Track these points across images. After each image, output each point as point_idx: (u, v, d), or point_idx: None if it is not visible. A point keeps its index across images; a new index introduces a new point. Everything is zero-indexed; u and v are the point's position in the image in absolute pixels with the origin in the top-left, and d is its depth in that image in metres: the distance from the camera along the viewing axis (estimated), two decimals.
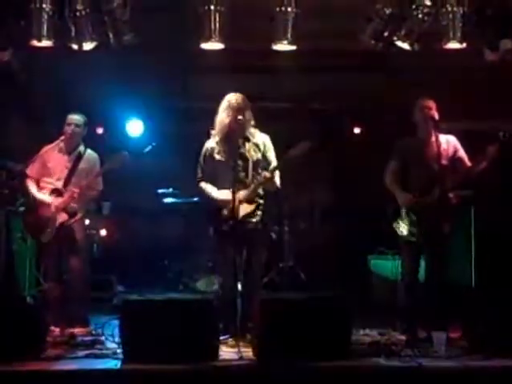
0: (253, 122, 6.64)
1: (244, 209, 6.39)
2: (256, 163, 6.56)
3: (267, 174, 6.43)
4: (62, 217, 6.81)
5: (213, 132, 6.69)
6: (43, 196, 6.86)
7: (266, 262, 7.04)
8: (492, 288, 6.90)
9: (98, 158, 7.10)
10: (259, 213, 6.55)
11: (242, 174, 6.50)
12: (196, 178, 6.71)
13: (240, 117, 6.45)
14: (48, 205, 6.80)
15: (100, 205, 9.33)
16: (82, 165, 6.96)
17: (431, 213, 6.45)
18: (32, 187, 6.94)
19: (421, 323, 6.52)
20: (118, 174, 7.04)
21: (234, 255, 6.30)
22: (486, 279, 7.83)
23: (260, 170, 6.52)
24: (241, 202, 6.36)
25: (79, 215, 6.92)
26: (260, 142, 6.61)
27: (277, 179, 6.62)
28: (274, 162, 6.59)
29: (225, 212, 6.46)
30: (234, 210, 6.25)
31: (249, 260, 6.53)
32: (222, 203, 6.46)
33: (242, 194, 6.39)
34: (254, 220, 6.50)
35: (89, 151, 7.06)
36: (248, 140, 6.55)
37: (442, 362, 5.64)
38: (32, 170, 6.95)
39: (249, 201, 6.45)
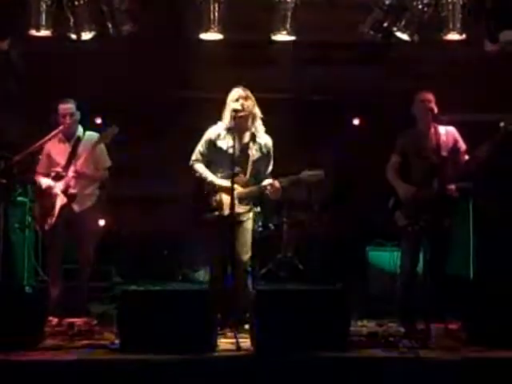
0: (259, 116, 6.65)
1: (235, 207, 6.37)
2: (255, 162, 6.58)
3: (276, 184, 6.44)
4: (62, 200, 6.78)
5: (220, 122, 6.70)
6: (45, 180, 6.87)
7: (261, 253, 7.05)
8: (491, 280, 6.89)
9: (99, 137, 7.03)
10: (250, 215, 6.61)
11: (240, 169, 6.50)
12: (191, 159, 6.70)
13: (241, 113, 6.46)
14: (52, 189, 6.79)
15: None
16: (82, 146, 6.94)
17: (431, 204, 6.45)
18: (41, 179, 6.95)
19: (419, 315, 6.53)
20: (117, 163, 7.03)
21: (220, 245, 6.34)
22: (485, 271, 7.84)
23: (256, 170, 6.56)
24: (231, 199, 6.32)
25: (81, 206, 6.87)
26: (263, 143, 6.63)
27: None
28: (270, 167, 6.65)
29: (213, 202, 6.49)
30: (230, 203, 6.25)
31: (234, 247, 6.48)
32: (217, 188, 6.48)
33: (236, 191, 6.37)
34: (240, 217, 6.50)
35: (88, 133, 7.05)
36: (254, 138, 6.59)
37: (440, 353, 5.64)
38: (40, 166, 7.02)
39: (240, 200, 6.44)
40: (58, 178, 6.85)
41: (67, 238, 6.91)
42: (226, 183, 6.42)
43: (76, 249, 6.93)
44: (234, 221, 6.33)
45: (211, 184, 6.55)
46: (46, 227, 6.81)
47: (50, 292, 6.82)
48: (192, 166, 6.69)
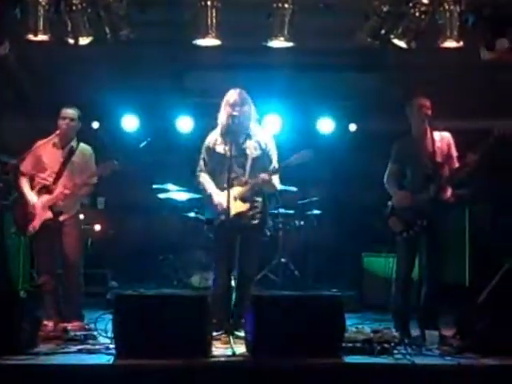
0: (255, 118, 6.66)
1: (237, 207, 6.38)
2: (255, 160, 6.55)
3: (265, 177, 6.43)
4: (47, 214, 6.77)
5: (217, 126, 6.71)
6: (31, 196, 6.82)
7: (260, 258, 7.05)
8: (485, 286, 6.90)
9: (92, 151, 7.07)
10: (255, 212, 6.55)
11: (240, 170, 6.50)
12: (197, 169, 6.73)
13: (236, 113, 6.46)
14: (33, 204, 6.78)
15: (95, 200, 9.32)
16: (74, 159, 6.92)
17: (426, 210, 6.46)
18: (24, 185, 6.89)
19: (414, 321, 6.54)
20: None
21: (227, 251, 6.31)
22: (480, 278, 7.84)
23: (258, 168, 6.52)
24: (235, 198, 6.35)
25: (68, 215, 6.87)
26: (262, 140, 6.62)
27: (276, 181, 6.62)
28: (274, 162, 6.60)
29: (218, 207, 6.47)
30: (227, 206, 6.25)
31: (242, 257, 6.54)
32: (217, 203, 6.47)
33: (236, 191, 6.38)
34: (247, 218, 6.49)
35: (82, 145, 7.02)
36: (250, 137, 6.58)
37: (435, 360, 5.65)
38: (26, 166, 6.90)
39: (243, 199, 6.44)
40: (45, 189, 6.83)
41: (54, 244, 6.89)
42: (223, 196, 6.39)
43: (61, 255, 6.90)
44: (242, 225, 6.37)
45: (210, 198, 6.55)
46: (28, 234, 6.82)
47: (43, 296, 6.81)
48: (197, 177, 6.72)
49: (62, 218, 6.82)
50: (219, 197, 6.48)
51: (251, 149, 6.56)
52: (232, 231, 6.30)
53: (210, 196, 6.57)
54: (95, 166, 6.99)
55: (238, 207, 6.37)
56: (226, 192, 6.37)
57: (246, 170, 6.52)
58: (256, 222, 6.57)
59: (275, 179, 6.60)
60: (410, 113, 6.69)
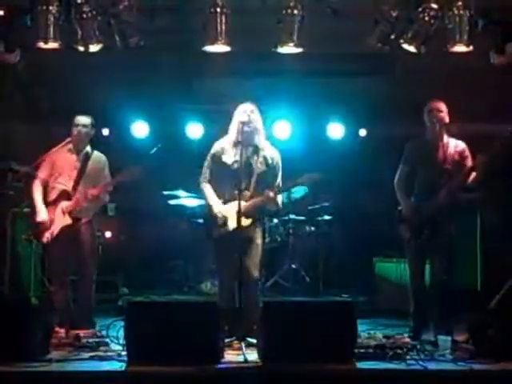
0: (263, 132, 6.64)
1: (240, 221, 6.31)
2: (260, 175, 6.55)
3: (269, 194, 6.44)
4: (66, 220, 6.80)
5: (226, 136, 6.70)
6: (42, 209, 6.82)
7: (271, 264, 7.04)
8: (497, 291, 6.87)
9: (106, 159, 7.10)
10: (256, 227, 6.56)
11: (244, 184, 6.49)
12: (201, 176, 6.71)
13: (246, 128, 6.45)
14: (45, 218, 6.79)
15: (105, 206, 9.32)
16: (90, 165, 6.95)
17: (433, 218, 6.47)
18: (37, 191, 6.89)
19: (426, 326, 6.52)
20: None
21: (229, 262, 6.36)
22: (492, 282, 7.81)
23: (262, 184, 6.52)
24: (238, 213, 6.29)
25: (84, 220, 6.90)
26: (269, 157, 6.61)
27: (279, 199, 6.63)
28: (278, 180, 6.60)
29: (219, 220, 6.49)
30: (237, 218, 6.26)
31: (243, 262, 6.48)
32: (216, 212, 6.50)
33: (240, 205, 6.34)
34: (247, 231, 6.45)
35: (96, 152, 7.05)
36: (258, 152, 6.57)
37: (448, 365, 5.63)
38: (43, 172, 6.91)
39: (246, 214, 6.40)
40: (64, 195, 6.86)
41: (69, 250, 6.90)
42: (225, 209, 6.46)
43: (76, 261, 6.92)
44: (242, 236, 6.31)
45: (210, 209, 6.58)
46: (44, 240, 6.82)
47: (55, 303, 6.82)
48: (200, 184, 6.71)
49: (79, 224, 6.85)
50: (219, 207, 6.51)
51: (257, 163, 6.56)
52: (233, 244, 6.30)
53: (210, 207, 6.59)
54: (110, 174, 7.03)
55: (240, 222, 6.33)
56: (228, 205, 6.46)
57: (251, 185, 6.53)
58: (254, 231, 6.56)
59: (278, 197, 6.61)
60: (424, 115, 6.69)
